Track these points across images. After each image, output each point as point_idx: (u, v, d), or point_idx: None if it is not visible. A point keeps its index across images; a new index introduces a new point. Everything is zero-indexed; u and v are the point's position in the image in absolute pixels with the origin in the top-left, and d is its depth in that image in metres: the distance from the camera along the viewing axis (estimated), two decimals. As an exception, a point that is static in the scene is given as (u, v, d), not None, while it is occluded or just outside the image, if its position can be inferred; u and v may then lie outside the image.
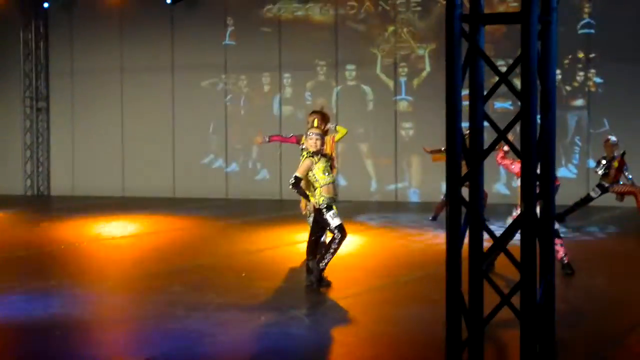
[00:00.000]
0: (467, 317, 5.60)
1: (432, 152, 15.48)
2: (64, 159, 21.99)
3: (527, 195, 5.46)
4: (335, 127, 11.66)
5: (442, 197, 15.51)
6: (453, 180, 5.60)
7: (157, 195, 20.63)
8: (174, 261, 12.11)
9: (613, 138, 14.97)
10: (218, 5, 20.72)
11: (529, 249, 5.45)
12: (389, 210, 17.90)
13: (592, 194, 15.09)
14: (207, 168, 20.91)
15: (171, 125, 21.15)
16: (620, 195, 14.94)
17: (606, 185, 14.91)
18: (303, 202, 10.68)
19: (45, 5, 21.52)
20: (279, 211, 17.83)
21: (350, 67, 20.04)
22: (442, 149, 15.26)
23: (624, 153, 14.79)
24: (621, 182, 14.89)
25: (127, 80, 21.48)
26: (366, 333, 8.08)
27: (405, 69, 19.67)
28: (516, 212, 10.02)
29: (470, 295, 5.62)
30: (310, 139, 9.86)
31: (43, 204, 20.55)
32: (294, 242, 13.26)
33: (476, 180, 5.66)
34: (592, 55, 18.45)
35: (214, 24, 20.78)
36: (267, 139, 11.85)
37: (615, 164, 14.73)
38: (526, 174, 5.45)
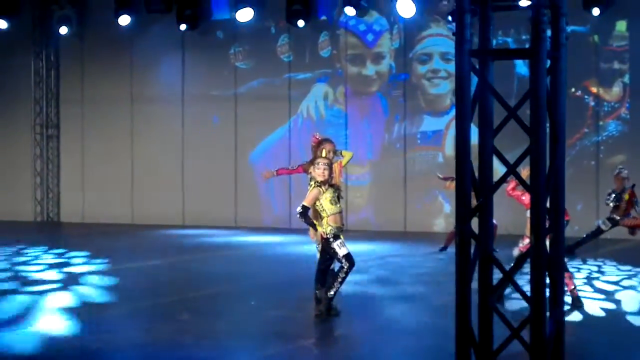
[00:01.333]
0: (477, 349, 5.62)
1: (445, 178, 15.51)
2: (73, 186, 22.09)
3: (537, 228, 5.49)
4: (341, 152, 11.67)
5: (453, 227, 15.50)
6: (463, 213, 5.64)
7: (167, 222, 20.67)
8: (183, 289, 12.13)
9: (625, 171, 14.95)
10: (228, 35, 20.84)
11: (538, 283, 5.48)
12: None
13: (603, 227, 15.05)
14: (216, 195, 20.96)
15: (181, 154, 21.23)
16: (632, 229, 14.90)
17: (617, 218, 14.89)
18: (312, 230, 10.70)
19: (63, 31, 21.50)
20: (289, 239, 17.84)
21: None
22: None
23: (633, 185, 14.78)
24: (631, 215, 14.86)
25: (137, 108, 21.62)
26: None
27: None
28: (522, 244, 9.98)
29: (480, 328, 5.64)
30: (319, 168, 9.87)
31: (54, 231, 20.58)
32: (303, 270, 13.27)
33: (485, 213, 5.70)
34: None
35: (225, 53, 20.90)
36: (275, 173, 11.81)
37: (627, 196, 14.71)
38: (536, 208, 5.48)
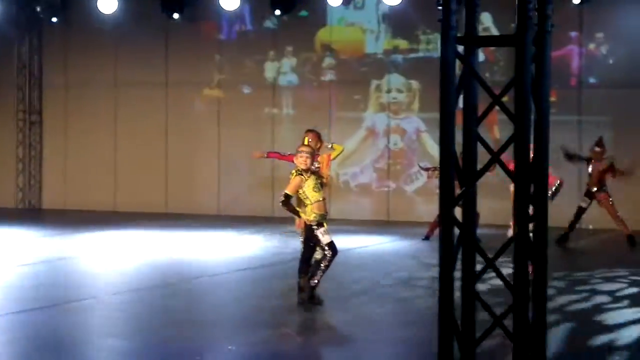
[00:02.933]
0: (460, 337, 5.61)
1: (427, 169, 15.65)
2: (56, 173, 21.98)
3: (521, 217, 5.48)
4: (332, 145, 11.81)
5: (436, 216, 15.52)
6: (446, 201, 5.62)
7: (149, 210, 20.60)
8: (165, 276, 12.09)
9: (596, 148, 15.13)
10: (212, 20, 20.77)
11: (521, 271, 5.47)
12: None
13: (582, 204, 15.18)
14: (198, 183, 20.91)
15: (164, 140, 21.15)
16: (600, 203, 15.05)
17: (592, 190, 15.01)
18: (297, 219, 10.72)
19: (47, 16, 21.39)
20: (272, 228, 17.81)
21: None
22: (436, 167, 15.36)
23: (612, 162, 14.96)
24: (605, 189, 14.98)
25: (120, 94, 21.51)
26: (358, 353, 8.08)
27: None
28: (510, 232, 9.92)
29: (463, 315, 5.63)
30: (301, 156, 9.89)
31: (36, 218, 20.49)
32: (287, 259, 13.25)
33: (469, 201, 5.68)
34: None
35: (208, 39, 20.85)
36: (265, 155, 12.06)
37: (601, 167, 14.87)
38: (520, 196, 5.47)
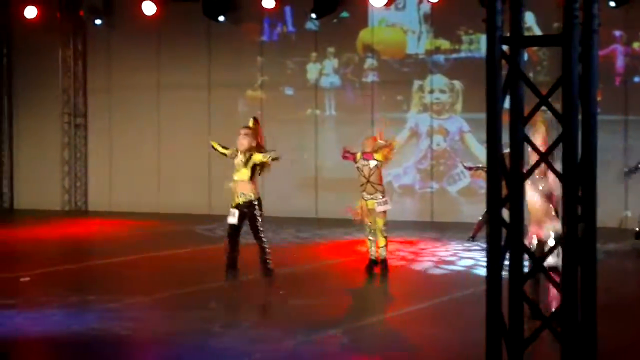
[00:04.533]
0: (508, 339, 5.58)
1: (470, 168, 15.67)
2: (101, 175, 22.17)
3: (570, 217, 5.44)
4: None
5: (480, 217, 15.46)
6: (494, 201, 5.59)
7: (193, 211, 20.71)
8: (210, 278, 12.14)
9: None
10: (254, 23, 20.84)
11: (571, 272, 5.43)
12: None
13: None
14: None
15: (207, 142, 21.21)
16: None
17: None
18: (358, 208, 11.33)
19: (91, 20, 21.64)
20: (316, 229, 17.83)
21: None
22: (480, 165, 15.34)
23: None
24: None
25: (163, 97, 21.65)
26: (403, 354, 8.06)
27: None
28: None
29: (511, 317, 5.60)
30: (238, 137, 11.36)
31: (81, 219, 20.66)
32: (332, 259, 13.28)
33: (516, 201, 5.65)
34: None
35: (250, 41, 20.93)
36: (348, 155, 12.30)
37: None
38: (568, 197, 5.43)
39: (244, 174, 10.95)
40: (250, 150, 11.09)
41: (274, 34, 20.92)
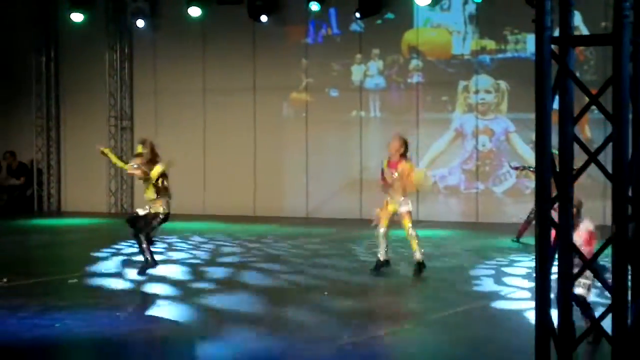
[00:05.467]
0: (557, 340, 5.55)
1: (516, 168, 15.65)
2: (147, 177, 22.30)
3: (619, 217, 5.40)
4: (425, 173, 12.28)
5: (527, 217, 15.36)
6: (543, 201, 5.56)
7: (238, 213, 20.79)
8: (255, 277, 12.19)
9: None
10: (299, 25, 20.89)
11: (620, 272, 5.38)
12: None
13: None
14: (287, 186, 21.05)
15: (253, 145, 21.34)
16: None
17: None
18: (377, 213, 11.45)
19: (140, 22, 21.82)
20: (361, 230, 17.83)
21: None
22: (527, 165, 15.26)
23: None
24: None
25: (209, 99, 21.77)
26: (446, 357, 8.02)
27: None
28: None
29: (560, 317, 5.56)
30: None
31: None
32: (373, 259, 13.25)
33: (566, 201, 5.61)
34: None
35: (295, 43, 20.97)
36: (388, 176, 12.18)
37: None
38: (618, 197, 5.39)
39: (150, 193, 12.04)
40: (147, 173, 11.58)
41: (318, 36, 20.96)
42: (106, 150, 12.98)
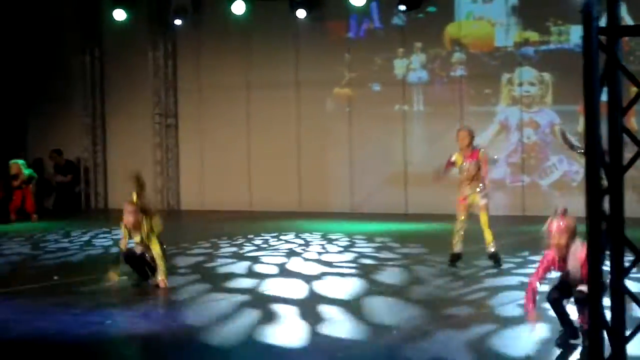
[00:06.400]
0: (610, 333, 5.52)
1: (570, 145, 15.25)
2: (192, 174, 22.48)
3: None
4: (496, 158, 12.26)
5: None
6: (594, 194, 5.53)
7: (283, 209, 20.85)
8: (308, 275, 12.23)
9: None
10: (341, 19, 20.90)
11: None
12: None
13: None
14: (331, 181, 21.08)
15: (296, 140, 21.39)
16: None
17: None
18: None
19: (178, 22, 22.03)
20: (406, 224, 17.82)
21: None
22: (580, 147, 15.04)
23: None
24: None
25: (253, 96, 21.84)
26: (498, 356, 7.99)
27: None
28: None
29: (612, 311, 5.54)
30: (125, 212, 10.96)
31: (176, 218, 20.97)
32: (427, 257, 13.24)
33: (617, 193, 5.58)
34: None
35: (337, 38, 20.99)
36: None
37: None
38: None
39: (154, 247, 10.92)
40: (143, 226, 10.95)
41: (360, 30, 20.95)
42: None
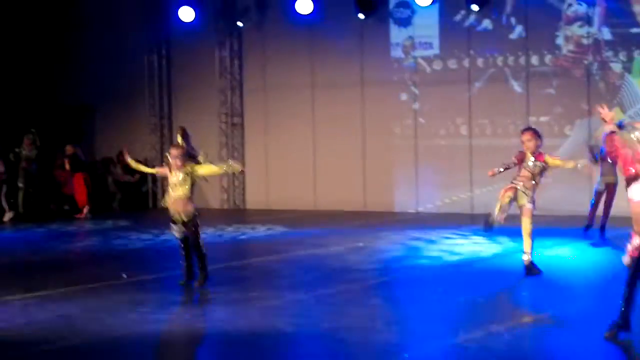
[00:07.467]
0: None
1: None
2: (258, 173, 22.56)
3: None
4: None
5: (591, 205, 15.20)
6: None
7: (348, 208, 20.84)
8: (372, 274, 12.21)
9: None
10: (405, 20, 20.85)
11: None
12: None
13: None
14: (396, 181, 21.01)
15: (361, 139, 21.36)
16: None
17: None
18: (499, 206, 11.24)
19: (239, 24, 22.28)
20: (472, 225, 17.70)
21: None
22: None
23: None
24: None
25: (317, 95, 21.86)
26: (570, 353, 7.90)
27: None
28: (631, 245, 7.85)
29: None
30: (171, 156, 10.98)
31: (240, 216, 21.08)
32: (493, 254, 13.15)
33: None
34: None
35: (401, 38, 20.94)
36: (501, 169, 11.85)
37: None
38: None
39: (182, 191, 10.93)
40: (188, 167, 10.96)
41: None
42: (132, 162, 12.21)
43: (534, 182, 11.53)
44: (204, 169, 11.22)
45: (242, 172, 12.05)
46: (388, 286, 11.41)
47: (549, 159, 11.64)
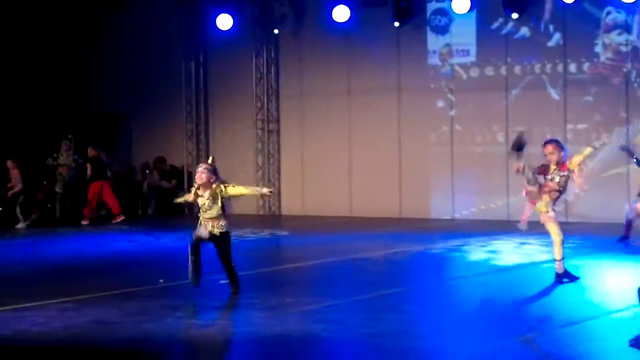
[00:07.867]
0: None
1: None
2: (293, 179, 22.60)
3: None
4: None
5: (626, 215, 14.86)
6: None
7: (384, 215, 20.82)
8: (408, 280, 12.19)
9: None
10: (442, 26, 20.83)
11: None
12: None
13: None
14: (432, 187, 20.97)
15: (397, 146, 21.33)
16: None
17: None
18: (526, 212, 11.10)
19: (276, 32, 22.39)
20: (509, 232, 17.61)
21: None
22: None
23: None
24: None
25: (354, 102, 21.87)
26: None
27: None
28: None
29: None
30: (197, 172, 10.80)
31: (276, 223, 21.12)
32: (529, 262, 13.08)
33: None
34: None
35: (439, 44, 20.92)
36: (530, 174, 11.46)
37: None
38: None
39: (215, 211, 10.74)
40: (217, 188, 10.76)
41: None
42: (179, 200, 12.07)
43: (559, 192, 11.22)
44: (234, 190, 11.08)
45: (270, 193, 11.96)
46: (425, 292, 11.37)
47: (572, 164, 11.11)
